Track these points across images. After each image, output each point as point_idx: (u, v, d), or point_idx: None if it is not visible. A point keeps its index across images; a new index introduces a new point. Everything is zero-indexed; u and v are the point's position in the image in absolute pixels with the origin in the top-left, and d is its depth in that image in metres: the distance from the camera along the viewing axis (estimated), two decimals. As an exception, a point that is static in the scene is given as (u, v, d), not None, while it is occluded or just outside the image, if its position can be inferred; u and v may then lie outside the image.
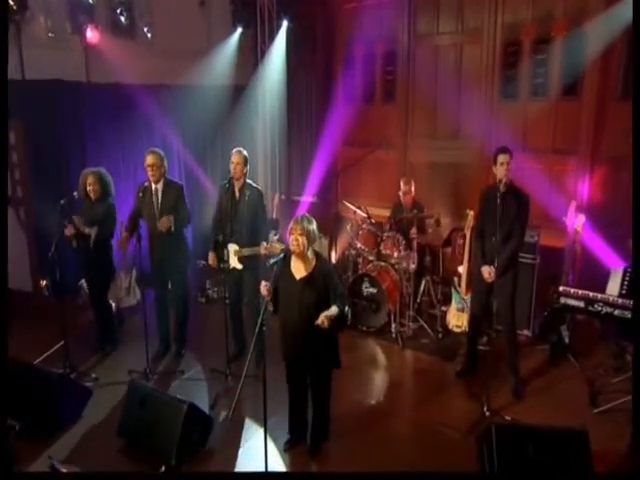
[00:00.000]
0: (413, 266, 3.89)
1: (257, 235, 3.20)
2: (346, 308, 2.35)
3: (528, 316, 3.72)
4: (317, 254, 2.36)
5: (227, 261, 3.24)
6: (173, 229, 3.25)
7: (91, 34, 4.16)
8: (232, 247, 3.27)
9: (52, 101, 4.11)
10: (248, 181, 3.28)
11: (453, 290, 3.79)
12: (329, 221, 5.26)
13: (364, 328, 3.91)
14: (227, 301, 3.29)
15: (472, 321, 3.31)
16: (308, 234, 2.29)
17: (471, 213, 3.49)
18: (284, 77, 5.32)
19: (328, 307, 2.30)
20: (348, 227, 4.33)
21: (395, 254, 3.92)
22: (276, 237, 4.42)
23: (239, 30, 5.19)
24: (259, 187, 3.33)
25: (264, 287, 2.29)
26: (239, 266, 3.27)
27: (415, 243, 3.88)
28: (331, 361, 2.43)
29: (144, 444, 2.49)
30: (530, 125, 4.27)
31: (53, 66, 4.06)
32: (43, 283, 4.14)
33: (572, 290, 3.03)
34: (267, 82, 5.35)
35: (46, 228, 3.51)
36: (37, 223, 4.05)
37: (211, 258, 3.32)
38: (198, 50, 4.85)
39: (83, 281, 3.90)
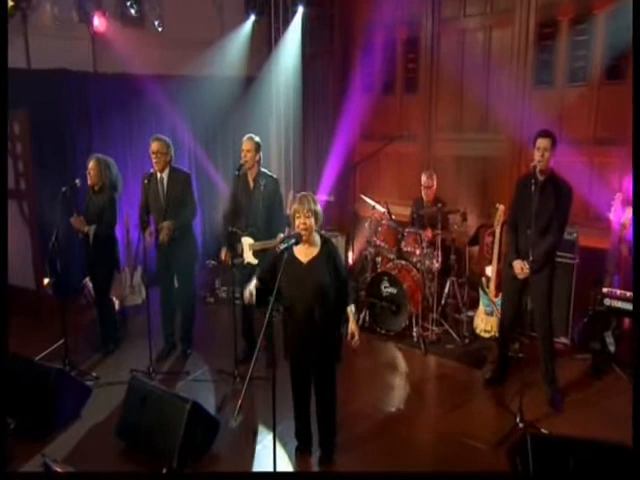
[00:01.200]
0: (437, 265, 3.86)
1: (273, 227, 3.21)
2: (354, 297, 2.37)
3: (566, 322, 3.61)
4: (321, 235, 2.36)
5: (241, 256, 3.25)
6: (178, 224, 3.28)
7: (98, 22, 4.29)
8: (246, 241, 3.29)
9: (57, 91, 4.26)
10: (262, 170, 3.30)
11: (481, 292, 3.73)
12: (346, 220, 5.27)
13: (383, 331, 3.89)
14: (237, 301, 3.31)
15: (502, 325, 3.24)
16: (315, 215, 2.28)
17: (501, 207, 3.44)
18: (299, 67, 5.38)
19: (337, 292, 2.29)
20: (366, 224, 4.36)
21: (417, 252, 3.89)
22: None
23: (252, 17, 5.30)
24: (274, 175, 3.34)
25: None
26: (254, 261, 3.27)
27: (439, 240, 3.83)
28: (334, 353, 2.40)
29: (144, 445, 2.51)
30: (568, 113, 4.19)
31: (59, 55, 4.23)
32: (46, 281, 4.21)
33: (619, 291, 2.92)
34: (281, 72, 5.43)
35: (50, 223, 3.54)
36: (41, 218, 4.17)
37: (224, 253, 3.34)
38: (209, 39, 4.98)
39: (87, 279, 3.98)
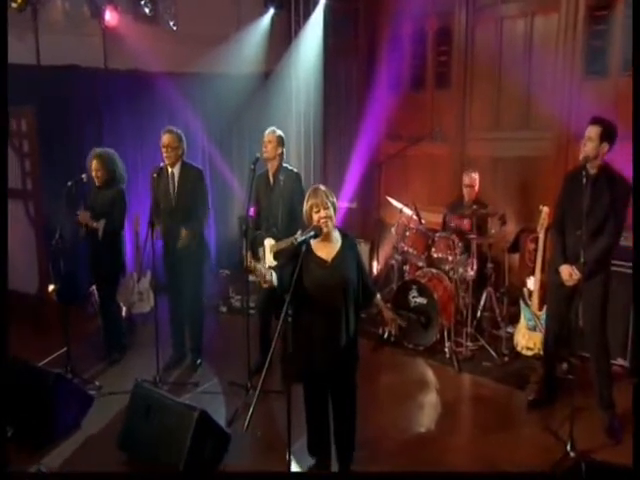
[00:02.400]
0: (472, 274, 3.81)
1: (296, 225, 3.19)
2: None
3: (624, 340, 3.48)
4: (339, 229, 2.39)
5: (262, 259, 3.29)
6: (191, 225, 3.34)
7: (110, 16, 4.53)
8: (268, 242, 3.32)
9: (67, 88, 4.50)
10: (284, 165, 3.37)
11: (522, 304, 3.66)
12: (370, 227, 5.29)
13: (411, 345, 3.85)
14: (251, 311, 3.37)
15: (547, 342, 3.16)
16: (334, 206, 2.30)
17: (545, 209, 3.40)
18: (320, 63, 5.51)
19: (359, 290, 2.31)
20: (392, 229, 4.33)
21: (449, 258, 3.86)
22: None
23: (271, 11, 5.47)
24: (295, 169, 3.40)
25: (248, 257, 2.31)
26: (274, 263, 3.28)
27: (474, 246, 3.80)
28: (354, 356, 2.39)
29: (148, 457, 2.53)
30: (624, 105, 4.10)
31: (70, 51, 4.48)
32: (51, 288, 4.34)
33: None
34: (301, 69, 5.56)
35: (57, 225, 3.62)
36: (48, 219, 4.26)
37: (248, 259, 3.29)
38: (225, 35, 5.17)
39: (94, 287, 4.07)
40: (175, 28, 5.08)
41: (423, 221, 4.22)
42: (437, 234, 3.98)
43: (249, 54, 5.32)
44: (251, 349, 3.21)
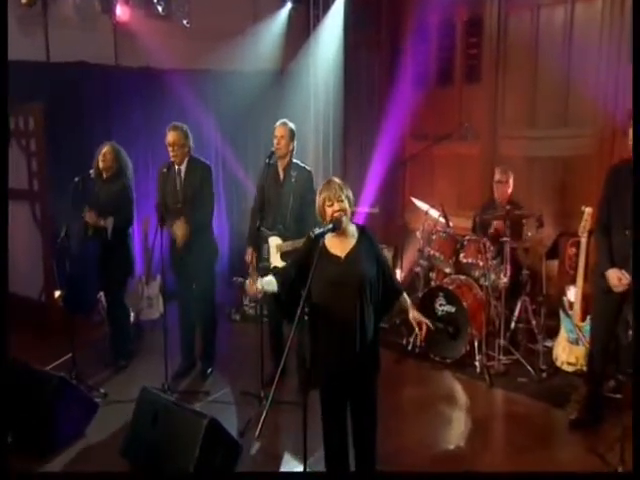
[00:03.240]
0: (505, 281, 3.76)
1: (305, 225, 3.25)
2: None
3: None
4: (356, 224, 2.38)
5: (267, 259, 3.32)
6: (195, 222, 3.39)
7: (121, 11, 4.69)
8: (274, 241, 3.37)
9: (77, 86, 4.67)
10: (294, 161, 3.41)
11: (562, 314, 3.59)
12: (393, 233, 5.28)
13: (437, 358, 3.82)
14: (265, 319, 3.40)
15: (592, 357, 3.09)
16: (348, 199, 2.29)
17: (588, 210, 3.35)
18: (340, 59, 5.57)
19: (379, 289, 2.28)
20: (418, 233, 4.31)
21: (480, 263, 3.82)
22: None
23: (289, 5, 5.58)
24: (308, 167, 3.44)
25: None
26: (281, 264, 3.33)
27: (508, 250, 3.76)
28: (374, 364, 2.37)
29: (153, 467, 2.55)
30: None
31: (80, 48, 4.65)
32: (57, 294, 4.44)
33: None
34: (320, 65, 5.64)
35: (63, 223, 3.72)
36: (55, 222, 4.35)
37: (249, 254, 3.43)
38: (241, 30, 5.29)
39: (101, 294, 4.16)
40: (188, 26, 5.24)
41: (451, 224, 4.20)
42: (466, 237, 3.96)
43: (265, 50, 5.43)
44: (265, 358, 3.23)
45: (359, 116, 5.73)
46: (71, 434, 2.90)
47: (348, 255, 2.29)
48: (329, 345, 2.30)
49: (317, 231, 2.22)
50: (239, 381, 3.48)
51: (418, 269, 4.35)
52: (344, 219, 2.26)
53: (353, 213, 2.38)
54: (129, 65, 4.98)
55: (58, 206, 4.20)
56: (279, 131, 3.33)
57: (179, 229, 3.38)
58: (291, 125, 3.38)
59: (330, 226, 2.24)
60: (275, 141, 3.32)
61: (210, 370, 3.65)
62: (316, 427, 2.38)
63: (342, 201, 2.26)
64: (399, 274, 4.77)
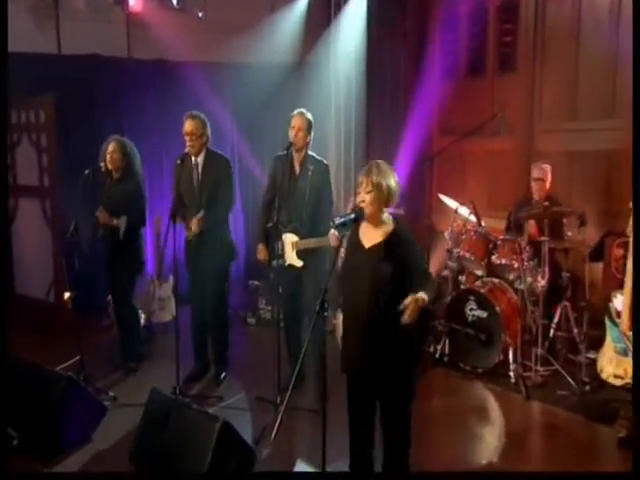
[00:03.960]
0: (543, 284, 3.68)
1: (321, 222, 3.28)
2: (433, 295, 2.28)
3: None
4: (395, 218, 2.37)
5: (281, 256, 3.34)
6: (211, 219, 3.41)
7: (134, 2, 4.81)
8: (288, 238, 3.38)
9: (88, 79, 4.81)
10: (310, 153, 3.41)
11: (608, 322, 3.47)
12: (419, 235, 5.21)
13: (467, 367, 3.76)
14: (283, 323, 3.42)
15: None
16: (379, 189, 2.26)
17: (636, 207, 3.26)
18: (363, 51, 5.57)
19: (405, 291, 2.23)
20: (446, 233, 4.28)
21: (515, 265, 3.75)
22: None
23: (309, -7, 5.68)
24: (325, 160, 3.45)
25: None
26: (297, 263, 3.36)
27: (546, 251, 3.69)
28: (406, 374, 2.33)
29: (162, 472, 2.55)
30: None
31: (92, 40, 4.80)
32: (67, 295, 4.50)
33: None
34: (341, 57, 5.65)
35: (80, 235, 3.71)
36: (65, 219, 4.32)
37: (261, 251, 3.45)
38: (258, 22, 5.37)
39: (111, 297, 4.18)
40: (203, 17, 5.34)
41: (483, 223, 4.15)
42: (500, 237, 3.91)
43: (283, 42, 5.48)
44: (282, 362, 3.25)
45: (383, 111, 5.74)
46: (78, 437, 2.92)
47: (373, 246, 2.30)
48: (348, 338, 2.34)
49: (337, 220, 2.24)
50: (254, 386, 3.50)
51: (446, 272, 4.29)
52: (369, 210, 2.27)
53: (387, 202, 2.28)
54: (142, 58, 5.11)
55: (69, 203, 4.28)
56: (296, 122, 3.33)
57: (194, 224, 3.41)
58: (309, 115, 3.39)
59: (352, 215, 2.25)
60: (292, 132, 3.32)
61: (224, 374, 3.67)
62: (336, 436, 2.36)
63: (370, 192, 2.26)
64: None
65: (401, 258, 2.28)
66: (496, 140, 4.99)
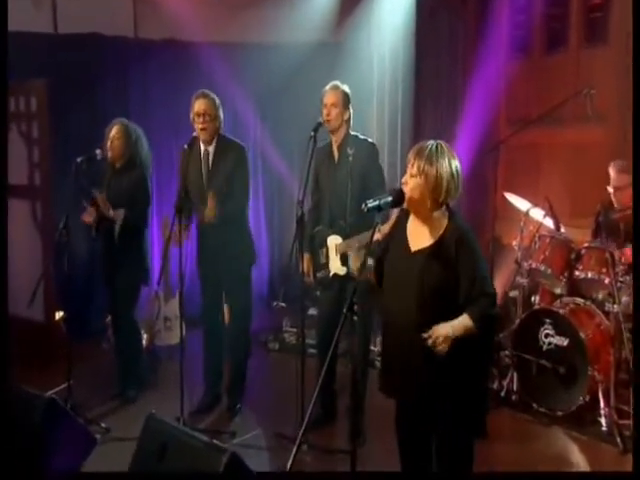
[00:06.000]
0: (642, 305, 3.51)
1: (372, 216, 3.17)
2: (491, 311, 2.21)
3: None
4: (451, 213, 2.29)
5: (325, 266, 3.30)
6: (223, 214, 3.41)
7: None
8: (332, 240, 3.33)
9: (88, 61, 4.93)
10: (352, 133, 3.37)
11: None
12: (482, 249, 5.09)
13: (543, 408, 3.65)
14: (312, 349, 3.47)
15: None
16: (426, 177, 2.19)
17: None
18: (412, 25, 5.58)
19: (456, 306, 2.18)
20: (514, 242, 4.17)
21: (606, 281, 3.60)
22: None
23: (346, -40, 5.75)
24: (370, 139, 3.40)
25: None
26: (341, 271, 3.29)
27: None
28: (466, 415, 2.28)
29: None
30: None
31: (93, 17, 4.92)
32: (58, 315, 4.58)
33: None
34: (385, 36, 5.69)
35: (73, 234, 3.71)
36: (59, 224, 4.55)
37: (307, 261, 3.37)
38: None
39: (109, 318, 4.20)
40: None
41: (562, 228, 4.03)
42: (585, 244, 3.80)
43: (314, 17, 5.55)
44: (307, 394, 3.16)
45: (436, 97, 5.70)
46: (61, 470, 2.92)
47: (419, 251, 2.27)
48: (388, 358, 2.38)
49: (370, 202, 2.20)
50: (274, 421, 3.52)
51: (515, 293, 4.20)
52: (411, 198, 2.21)
53: (437, 194, 2.19)
54: (151, 37, 5.24)
55: (63, 203, 4.27)
56: (330, 97, 3.31)
57: (210, 204, 3.37)
58: (345, 88, 3.36)
59: (388, 197, 2.20)
60: (325, 111, 3.29)
61: (238, 406, 3.68)
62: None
63: (415, 177, 2.21)
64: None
65: (454, 266, 2.20)
66: (581, 128, 4.83)
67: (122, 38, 5.15)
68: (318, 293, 3.63)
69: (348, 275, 3.23)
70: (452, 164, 2.23)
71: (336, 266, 3.29)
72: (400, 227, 2.37)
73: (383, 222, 2.21)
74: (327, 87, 3.37)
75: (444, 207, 2.26)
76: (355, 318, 2.05)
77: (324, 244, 3.34)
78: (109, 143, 3.71)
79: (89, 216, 3.69)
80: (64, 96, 4.77)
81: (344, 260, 3.24)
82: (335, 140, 3.37)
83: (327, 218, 3.35)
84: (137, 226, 3.75)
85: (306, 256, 3.40)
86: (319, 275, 3.35)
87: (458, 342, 2.20)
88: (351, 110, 3.38)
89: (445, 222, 2.26)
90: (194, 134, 3.52)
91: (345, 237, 3.26)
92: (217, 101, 3.54)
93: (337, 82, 3.39)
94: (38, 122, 4.74)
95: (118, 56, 5.13)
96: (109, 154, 3.73)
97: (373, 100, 5.88)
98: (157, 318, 4.49)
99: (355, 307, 2.00)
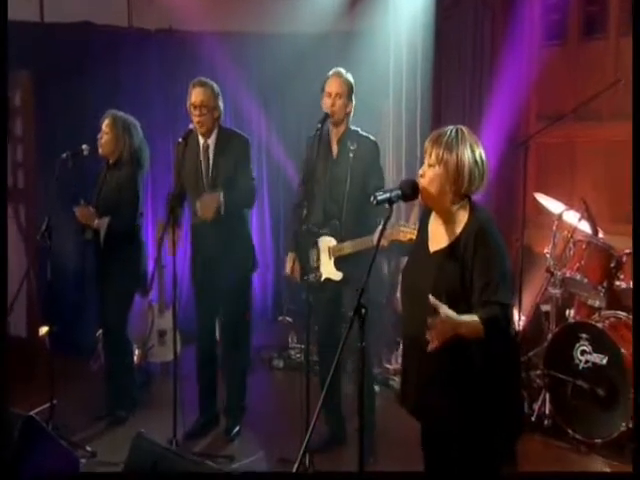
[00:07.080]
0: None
1: (368, 220, 3.18)
2: (502, 321, 2.13)
3: None
4: (473, 208, 2.22)
5: (317, 268, 3.29)
6: (223, 212, 3.41)
7: None
8: (324, 242, 3.33)
9: (77, 52, 4.98)
10: (353, 128, 3.37)
11: None
12: (509, 257, 5.04)
13: (579, 435, 3.60)
14: (318, 366, 3.45)
15: None
16: (445, 166, 2.13)
17: None
18: (432, 14, 5.58)
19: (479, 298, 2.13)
20: (546, 249, 4.16)
21: (649, 291, 3.55)
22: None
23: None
24: (372, 136, 3.39)
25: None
26: (336, 276, 3.28)
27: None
28: (492, 440, 2.23)
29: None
30: None
31: (83, 5, 5.00)
32: (43, 330, 4.60)
33: None
34: (402, 25, 5.68)
35: (58, 238, 3.74)
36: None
37: (290, 261, 3.41)
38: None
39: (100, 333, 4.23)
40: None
41: (600, 233, 4.00)
42: (626, 250, 3.77)
43: (327, 5, 5.56)
44: (312, 415, 3.15)
45: (458, 91, 5.69)
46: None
47: (438, 252, 2.25)
48: (407, 370, 2.39)
49: (380, 195, 2.17)
50: (276, 446, 3.51)
51: (547, 307, 4.19)
52: (427, 190, 2.17)
53: (458, 186, 2.14)
54: (146, 27, 5.30)
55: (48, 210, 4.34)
56: (333, 85, 3.28)
57: (206, 207, 3.37)
58: (348, 76, 3.35)
59: (399, 191, 2.15)
60: (329, 101, 3.28)
61: (237, 429, 3.69)
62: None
63: (434, 165, 2.16)
64: (517, 318, 4.53)
65: (471, 268, 2.14)
66: (620, 123, 4.74)
67: (115, 27, 5.22)
68: (307, 298, 3.50)
69: (344, 280, 3.23)
70: (475, 150, 2.19)
71: (329, 270, 3.28)
72: (423, 226, 2.36)
73: (385, 223, 2.15)
74: (330, 73, 3.35)
75: (465, 200, 2.21)
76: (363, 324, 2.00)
77: (314, 245, 3.31)
78: (99, 137, 3.74)
79: (82, 215, 3.67)
80: (51, 90, 4.83)
81: (338, 264, 3.24)
82: (335, 133, 3.37)
83: (320, 216, 3.33)
84: (125, 232, 3.74)
85: (290, 255, 3.40)
86: (307, 277, 3.28)
87: (481, 360, 2.17)
88: (354, 102, 3.37)
89: (466, 216, 2.21)
90: (190, 126, 3.50)
91: (339, 239, 3.25)
92: (216, 90, 3.54)
93: (341, 69, 3.37)
94: (22, 118, 4.82)
95: (110, 47, 5.17)
96: (100, 150, 3.75)
97: (389, 93, 5.87)
98: (150, 332, 4.48)
99: (363, 311, 1.94)
